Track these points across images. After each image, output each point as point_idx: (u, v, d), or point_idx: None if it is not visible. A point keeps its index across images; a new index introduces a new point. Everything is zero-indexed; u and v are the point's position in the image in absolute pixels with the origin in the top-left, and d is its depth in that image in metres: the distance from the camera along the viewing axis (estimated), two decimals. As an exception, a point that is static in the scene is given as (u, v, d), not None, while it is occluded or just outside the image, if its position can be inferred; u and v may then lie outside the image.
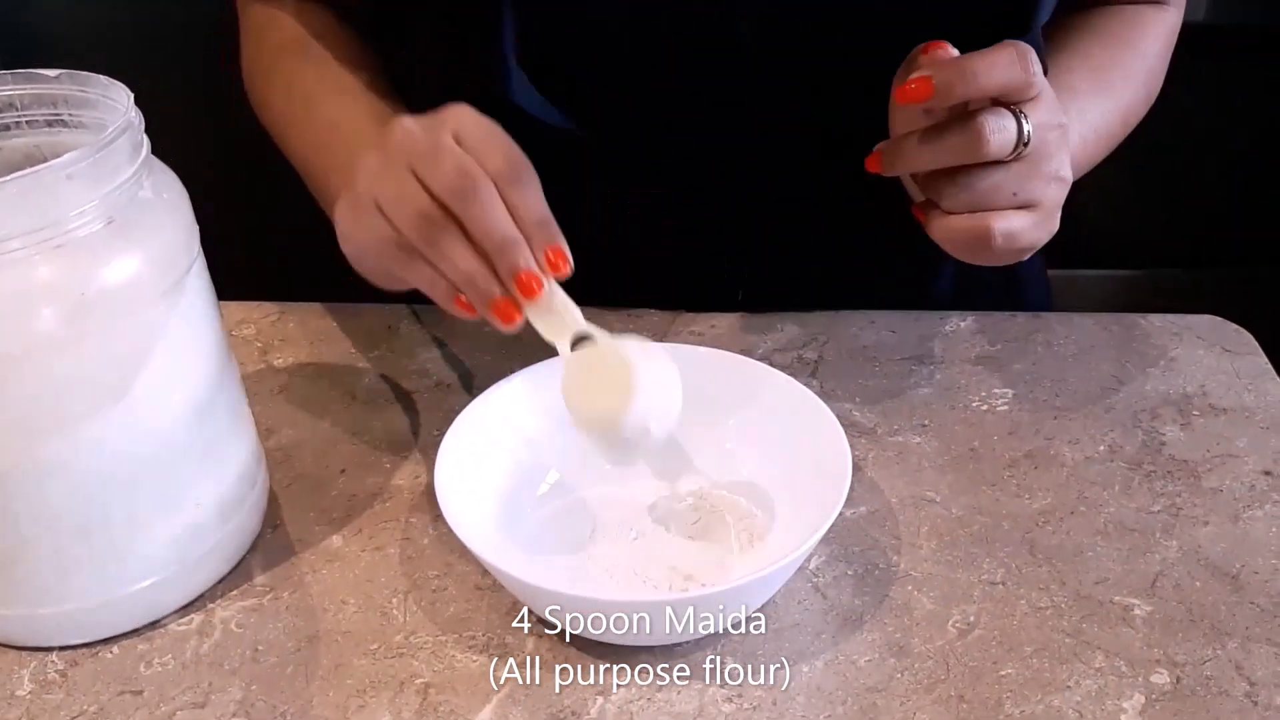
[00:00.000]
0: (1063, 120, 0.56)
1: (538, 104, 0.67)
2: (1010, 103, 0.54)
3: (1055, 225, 0.58)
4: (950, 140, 0.55)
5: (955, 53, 0.56)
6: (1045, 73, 0.64)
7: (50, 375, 0.47)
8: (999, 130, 0.54)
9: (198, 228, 0.53)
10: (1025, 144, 0.54)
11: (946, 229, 0.57)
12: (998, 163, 0.55)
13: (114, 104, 0.51)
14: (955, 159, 0.55)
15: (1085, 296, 1.47)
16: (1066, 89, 0.67)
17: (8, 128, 0.53)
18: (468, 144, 0.53)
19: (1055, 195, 0.57)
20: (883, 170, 0.58)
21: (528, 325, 0.55)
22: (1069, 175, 0.57)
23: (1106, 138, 0.70)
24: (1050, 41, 0.73)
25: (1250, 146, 1.36)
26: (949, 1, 0.63)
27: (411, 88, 0.70)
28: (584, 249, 0.77)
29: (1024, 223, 0.56)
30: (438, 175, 0.52)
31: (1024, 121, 0.54)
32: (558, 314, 0.55)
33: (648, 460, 0.60)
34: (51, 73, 0.52)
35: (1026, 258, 0.58)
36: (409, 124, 0.54)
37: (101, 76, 0.52)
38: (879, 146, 0.58)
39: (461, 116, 0.54)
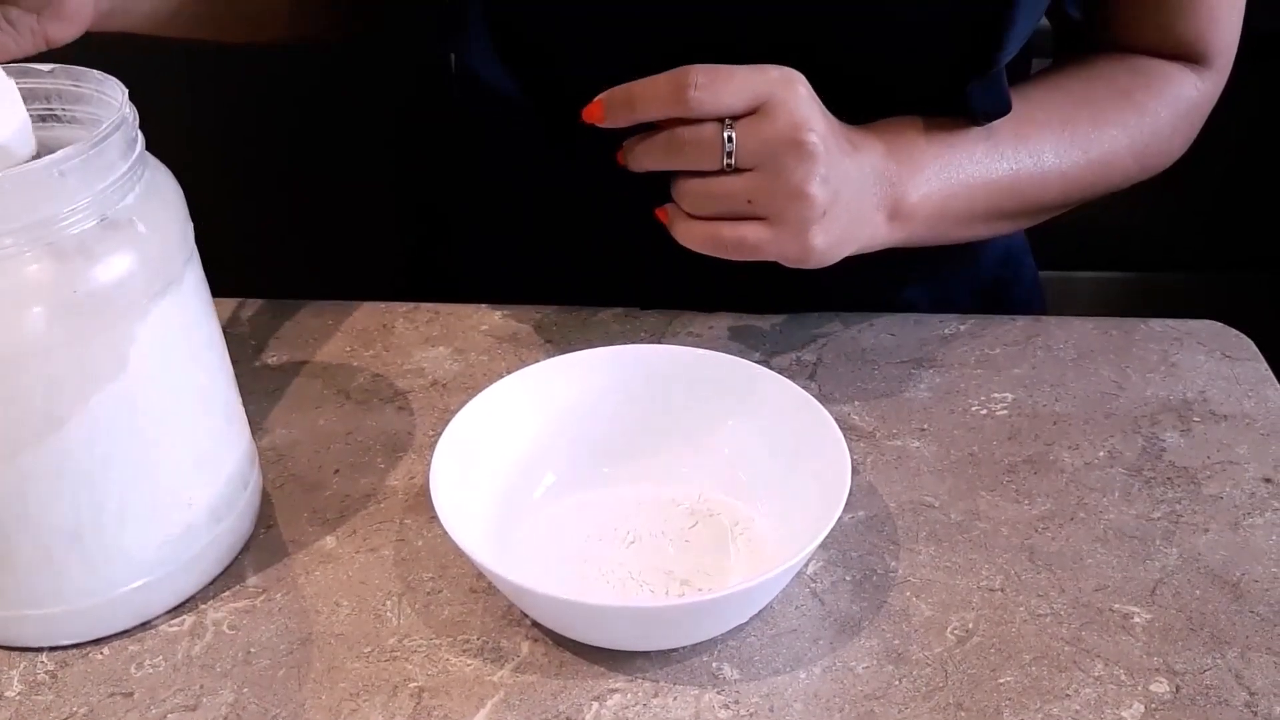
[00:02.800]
0: (800, 137, 0.56)
1: (492, 70, 0.67)
2: (720, 117, 0.57)
3: (807, 242, 0.58)
4: (654, 147, 0.59)
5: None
6: (1001, 108, 0.63)
7: (41, 374, 0.46)
8: (692, 141, 0.57)
9: (192, 225, 0.52)
10: (730, 155, 0.57)
11: (685, 231, 0.60)
12: (723, 171, 0.57)
13: (108, 99, 0.50)
14: (660, 163, 0.59)
15: (1082, 299, 1.47)
16: (1025, 121, 0.65)
17: (1, 122, 0.52)
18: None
19: (799, 210, 0.57)
20: (625, 164, 0.61)
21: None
22: (815, 192, 0.57)
23: (1059, 184, 0.67)
24: (1047, 74, 0.71)
25: (1249, 150, 1.36)
26: (913, 34, 0.63)
27: (370, 50, 0.71)
28: (570, 245, 0.77)
29: (761, 234, 0.58)
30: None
31: (727, 130, 0.56)
32: None
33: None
34: (45, 67, 0.51)
35: (792, 266, 0.60)
36: None
37: (95, 71, 0.51)
38: (603, 109, 0.60)
39: None
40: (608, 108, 0.59)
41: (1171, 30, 0.68)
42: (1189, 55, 0.69)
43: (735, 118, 0.57)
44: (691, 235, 0.60)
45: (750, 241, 0.58)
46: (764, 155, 0.57)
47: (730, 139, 0.56)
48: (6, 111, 0.48)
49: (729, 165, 0.57)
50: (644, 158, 0.60)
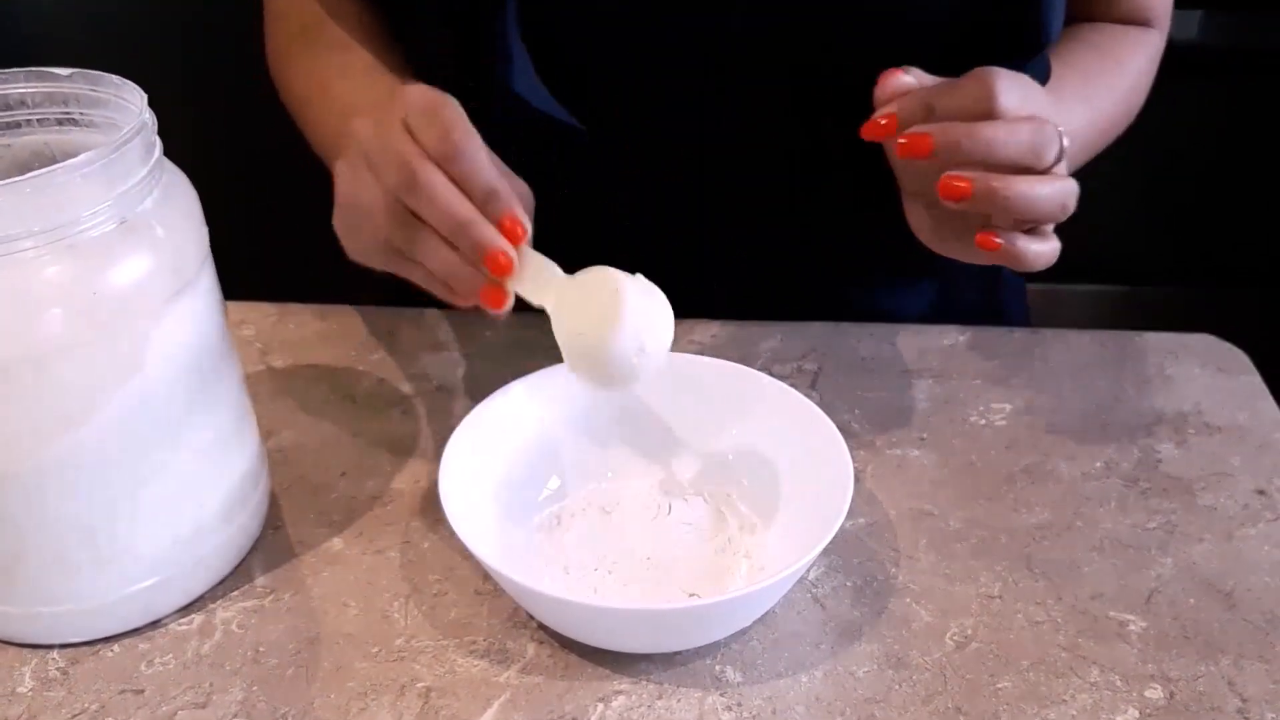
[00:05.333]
0: (1065, 142, 0.56)
1: (539, 94, 0.67)
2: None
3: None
4: (1024, 136, 0.54)
5: (912, 81, 0.56)
6: (1045, 80, 0.65)
7: (58, 374, 0.47)
8: (1054, 140, 0.54)
9: (207, 230, 0.53)
10: (1063, 150, 0.54)
11: (1035, 255, 0.56)
12: (1046, 171, 0.55)
13: (126, 104, 0.51)
14: (1028, 158, 0.54)
15: (1075, 313, 1.48)
16: (1052, 91, 0.67)
17: (19, 125, 0.53)
18: (411, 127, 0.53)
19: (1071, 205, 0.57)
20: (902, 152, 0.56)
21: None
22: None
23: (1085, 146, 0.71)
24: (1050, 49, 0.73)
25: (1242, 165, 1.37)
26: (954, 22, 0.64)
27: (419, 72, 0.71)
28: (575, 254, 0.78)
29: (1050, 246, 0.56)
30: (385, 173, 0.53)
31: (1058, 128, 0.54)
32: (537, 275, 0.55)
33: (644, 382, 0.57)
34: (64, 71, 0.52)
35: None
36: (362, 122, 0.55)
37: (114, 76, 0.52)
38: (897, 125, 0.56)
39: (410, 97, 0.54)
40: (939, 148, 0.54)
41: (1127, 3, 0.76)
42: (1140, 19, 0.77)
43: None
44: (1041, 255, 0.56)
45: (1049, 256, 0.56)
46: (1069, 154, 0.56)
47: (1064, 141, 0.54)
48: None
49: (1055, 162, 0.55)
50: (1001, 147, 0.54)
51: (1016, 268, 0.57)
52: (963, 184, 0.53)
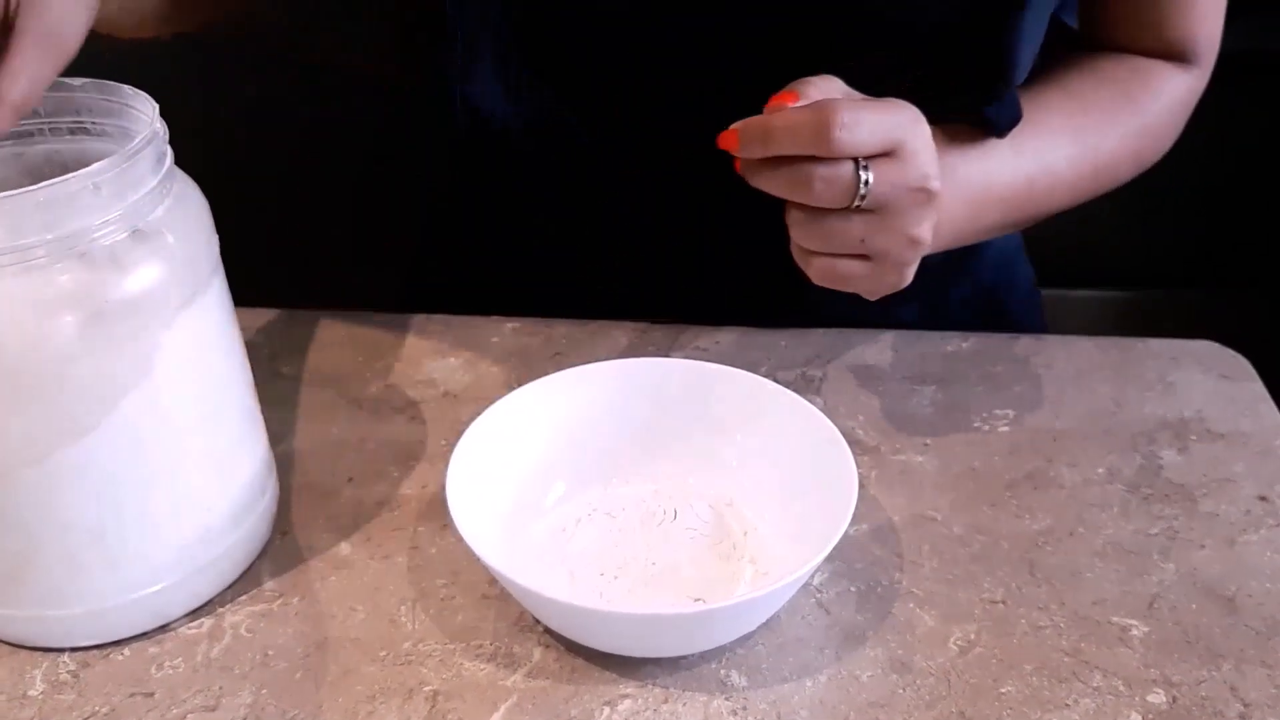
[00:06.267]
0: (928, 185, 0.56)
1: (502, 108, 0.67)
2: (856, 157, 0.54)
3: (901, 280, 0.58)
4: (781, 177, 0.56)
5: (806, 100, 0.56)
6: (1015, 118, 0.64)
7: (69, 381, 0.47)
8: (827, 180, 0.54)
9: (217, 238, 0.53)
10: (862, 198, 0.54)
11: (793, 251, 0.59)
12: (845, 210, 0.55)
13: (138, 114, 0.52)
14: (785, 194, 0.56)
15: (1078, 317, 1.48)
16: (1036, 124, 0.66)
17: (31, 134, 0.53)
18: None
19: (904, 254, 0.57)
20: (740, 171, 0.58)
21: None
22: (925, 237, 0.57)
23: (1068, 185, 0.68)
24: (1049, 73, 0.71)
25: (1246, 169, 1.37)
26: (923, 46, 0.64)
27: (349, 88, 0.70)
28: (579, 260, 0.78)
29: (860, 270, 0.57)
30: None
31: (863, 173, 0.54)
32: None
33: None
34: (75, 81, 0.52)
35: (870, 297, 0.59)
36: None
37: (125, 86, 0.52)
38: (738, 139, 0.57)
39: None
40: (743, 138, 0.56)
41: (1163, 32, 0.70)
42: (1178, 54, 0.71)
43: (868, 158, 0.55)
44: (807, 268, 0.59)
45: (843, 275, 0.58)
46: (890, 199, 0.55)
47: (866, 182, 0.54)
48: None
49: (857, 207, 0.55)
50: (766, 181, 0.56)
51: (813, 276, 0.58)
52: (728, 135, 0.56)
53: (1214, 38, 0.71)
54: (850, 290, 0.59)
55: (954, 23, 0.62)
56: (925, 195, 0.56)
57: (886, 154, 0.55)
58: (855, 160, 0.54)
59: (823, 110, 0.53)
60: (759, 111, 0.67)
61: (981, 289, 0.82)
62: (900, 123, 0.55)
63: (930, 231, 0.57)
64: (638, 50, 0.67)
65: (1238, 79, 0.74)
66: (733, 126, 0.56)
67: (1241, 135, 1.35)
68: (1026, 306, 0.87)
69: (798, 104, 0.55)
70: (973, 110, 0.63)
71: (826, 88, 0.56)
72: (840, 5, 0.62)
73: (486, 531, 0.55)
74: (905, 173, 0.55)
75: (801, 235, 0.57)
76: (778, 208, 0.73)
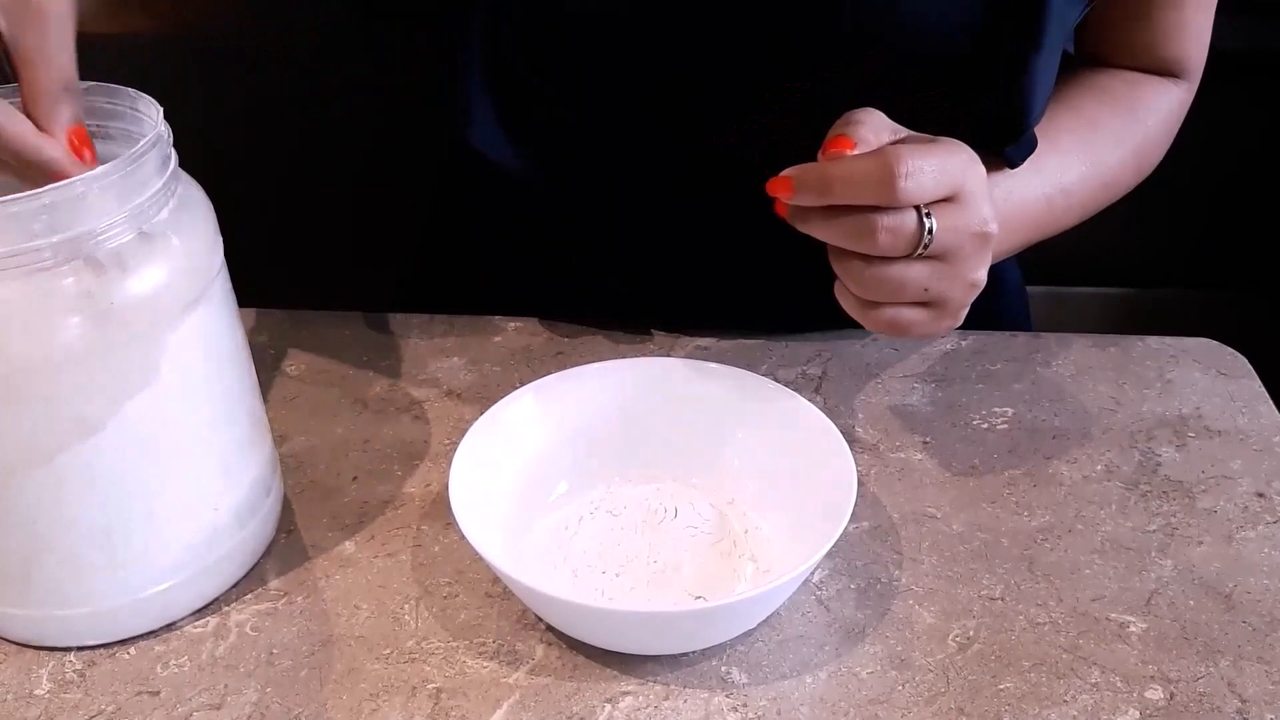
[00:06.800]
0: (988, 229, 0.55)
1: (502, 150, 0.67)
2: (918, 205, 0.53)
3: (956, 323, 0.58)
4: (843, 227, 0.54)
5: (865, 146, 0.54)
6: (1030, 150, 0.64)
7: (76, 381, 0.48)
8: (891, 230, 0.53)
9: (222, 240, 0.54)
10: (926, 246, 0.53)
11: (845, 300, 0.57)
12: (906, 258, 0.54)
13: (142, 117, 0.52)
14: (845, 244, 0.54)
15: (1076, 316, 1.49)
16: (1050, 144, 0.66)
17: (36, 137, 0.54)
18: None
19: (964, 297, 0.57)
20: (787, 218, 0.56)
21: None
22: (983, 280, 0.57)
23: (1079, 204, 0.69)
24: (1055, 93, 0.71)
25: (1245, 168, 1.38)
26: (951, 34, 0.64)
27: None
28: (582, 264, 0.79)
29: (920, 317, 0.57)
30: None
31: (929, 221, 0.53)
32: None
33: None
34: (82, 84, 0.53)
35: (922, 338, 0.59)
36: None
37: (130, 89, 0.53)
38: (792, 188, 0.55)
39: None
40: (799, 187, 0.54)
41: (1157, 52, 0.72)
42: (1171, 71, 0.73)
43: (929, 204, 0.54)
44: (864, 318, 0.57)
45: (905, 323, 0.56)
46: (953, 246, 0.54)
47: (930, 230, 0.53)
48: None
49: (919, 255, 0.54)
50: (823, 231, 0.55)
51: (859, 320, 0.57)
52: (781, 182, 0.54)
53: (1203, 54, 0.73)
54: (905, 337, 0.58)
55: (967, 60, 0.62)
56: (985, 238, 0.55)
57: (947, 199, 0.54)
58: (918, 207, 0.53)
59: (885, 159, 0.52)
60: (765, 120, 0.66)
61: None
62: (961, 165, 0.54)
63: (985, 273, 0.57)
64: (641, 52, 0.68)
65: (1238, 78, 0.75)
66: (785, 173, 0.54)
67: (1242, 135, 1.35)
68: (1015, 305, 0.87)
69: (854, 150, 0.54)
70: (992, 148, 0.63)
71: (876, 126, 0.55)
72: (844, 32, 0.62)
73: (489, 530, 0.55)
74: (967, 218, 0.54)
75: (862, 287, 0.56)
76: (745, 219, 0.72)
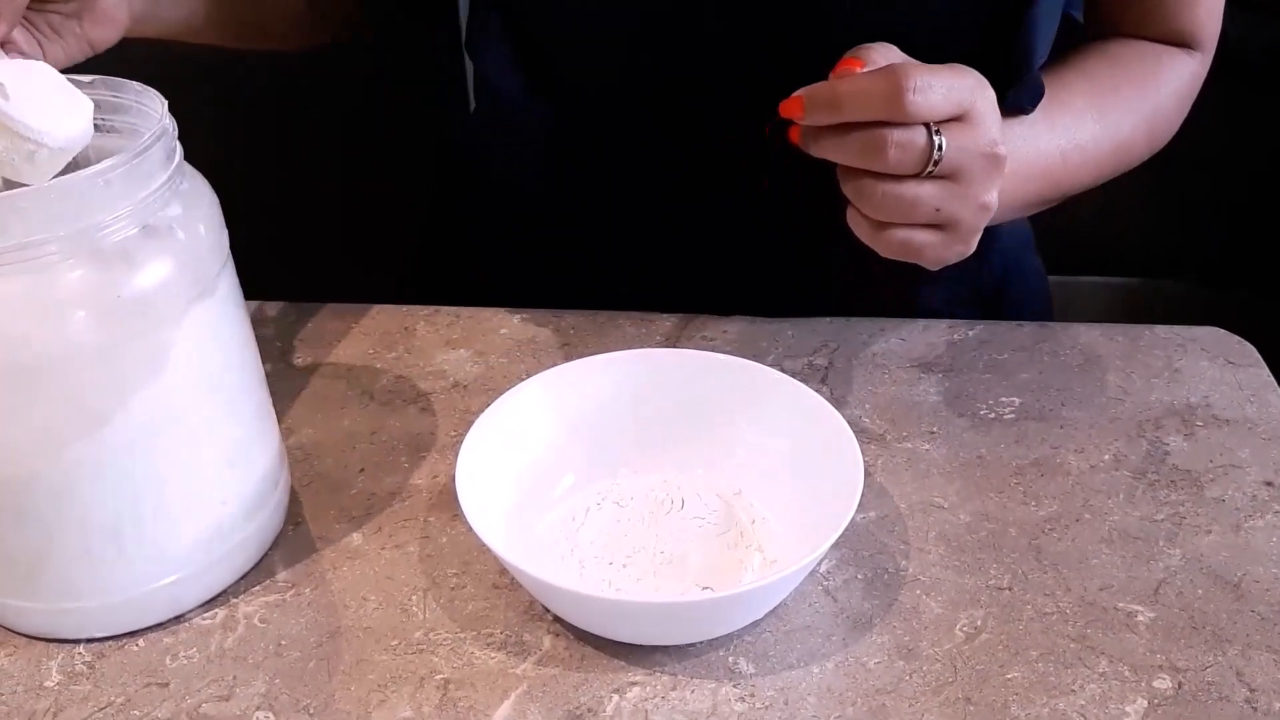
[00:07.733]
0: (998, 150, 0.55)
1: (512, 82, 0.67)
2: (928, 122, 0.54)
3: (968, 249, 0.58)
4: (852, 143, 0.54)
5: (872, 65, 0.55)
6: (1039, 96, 0.64)
7: (84, 375, 0.48)
8: (901, 145, 0.53)
9: (227, 232, 0.54)
10: (936, 163, 0.54)
11: (857, 225, 0.57)
12: (917, 176, 0.54)
13: (147, 110, 0.52)
14: (856, 162, 0.55)
15: (1086, 305, 1.48)
16: (1060, 103, 0.66)
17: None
18: None
19: (975, 220, 0.57)
20: (798, 143, 0.57)
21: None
22: (994, 204, 0.57)
23: (1094, 162, 0.69)
24: (1065, 58, 0.72)
25: (1257, 160, 1.37)
26: (939, 35, 0.64)
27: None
28: (587, 250, 0.79)
29: (932, 239, 0.57)
30: None
31: (938, 139, 0.53)
32: None
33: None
34: (85, 78, 0.53)
35: (932, 266, 0.59)
36: None
37: (135, 83, 0.53)
38: (804, 107, 0.55)
39: None
40: (809, 106, 0.54)
41: (1168, 22, 0.72)
42: (1184, 41, 0.73)
43: (939, 123, 0.54)
44: (876, 240, 0.57)
45: (917, 245, 0.57)
46: (963, 164, 0.55)
47: (940, 147, 0.53)
48: (80, 115, 0.50)
49: (929, 173, 0.54)
50: (833, 149, 0.55)
51: (874, 243, 0.57)
52: (792, 102, 0.55)
53: (1216, 26, 0.73)
54: (917, 261, 0.57)
55: (967, 18, 0.62)
56: (994, 160, 0.55)
57: (956, 118, 0.54)
58: (927, 125, 0.53)
59: (894, 74, 0.52)
60: (770, 103, 0.66)
61: (992, 279, 0.82)
62: (969, 86, 0.54)
63: (997, 197, 0.57)
64: (641, 52, 0.68)
65: (1254, 71, 0.75)
66: (797, 93, 0.55)
67: (1258, 128, 1.35)
68: (1036, 299, 0.87)
69: (864, 69, 0.54)
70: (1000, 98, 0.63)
71: (887, 54, 0.56)
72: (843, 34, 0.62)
73: (496, 521, 0.55)
74: (976, 137, 0.55)
75: (872, 206, 0.56)
76: (759, 207, 0.72)
